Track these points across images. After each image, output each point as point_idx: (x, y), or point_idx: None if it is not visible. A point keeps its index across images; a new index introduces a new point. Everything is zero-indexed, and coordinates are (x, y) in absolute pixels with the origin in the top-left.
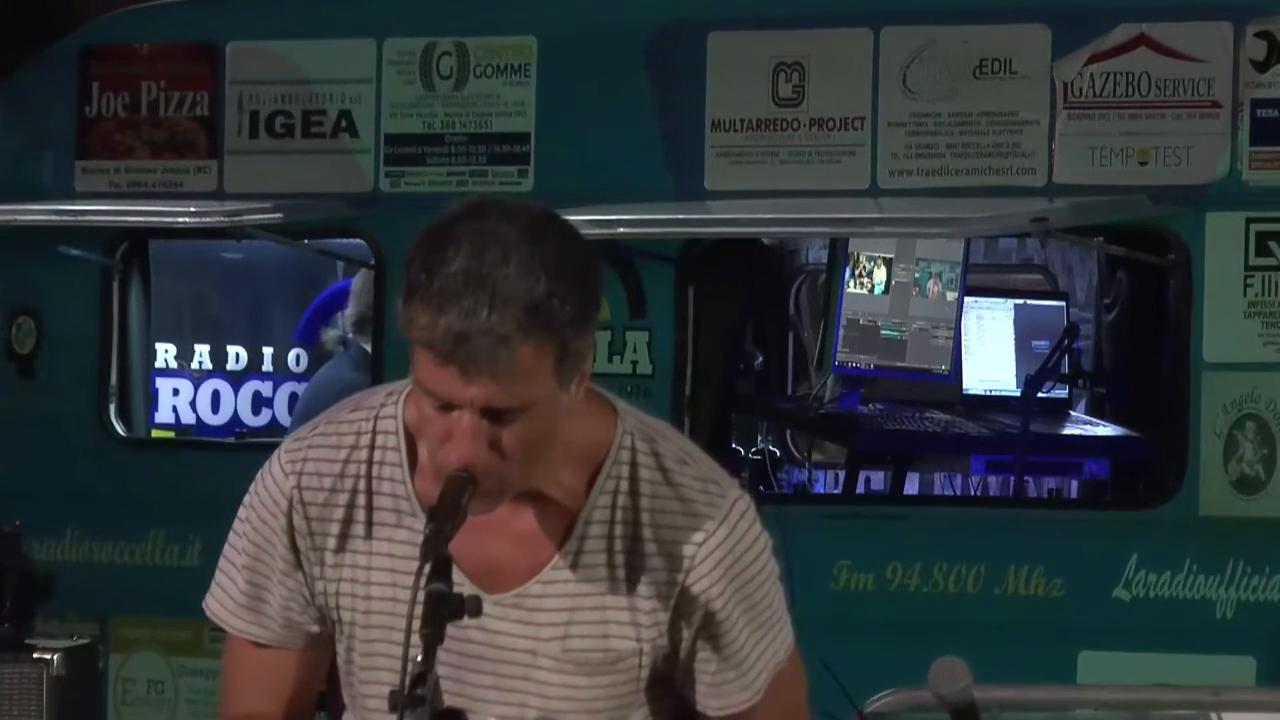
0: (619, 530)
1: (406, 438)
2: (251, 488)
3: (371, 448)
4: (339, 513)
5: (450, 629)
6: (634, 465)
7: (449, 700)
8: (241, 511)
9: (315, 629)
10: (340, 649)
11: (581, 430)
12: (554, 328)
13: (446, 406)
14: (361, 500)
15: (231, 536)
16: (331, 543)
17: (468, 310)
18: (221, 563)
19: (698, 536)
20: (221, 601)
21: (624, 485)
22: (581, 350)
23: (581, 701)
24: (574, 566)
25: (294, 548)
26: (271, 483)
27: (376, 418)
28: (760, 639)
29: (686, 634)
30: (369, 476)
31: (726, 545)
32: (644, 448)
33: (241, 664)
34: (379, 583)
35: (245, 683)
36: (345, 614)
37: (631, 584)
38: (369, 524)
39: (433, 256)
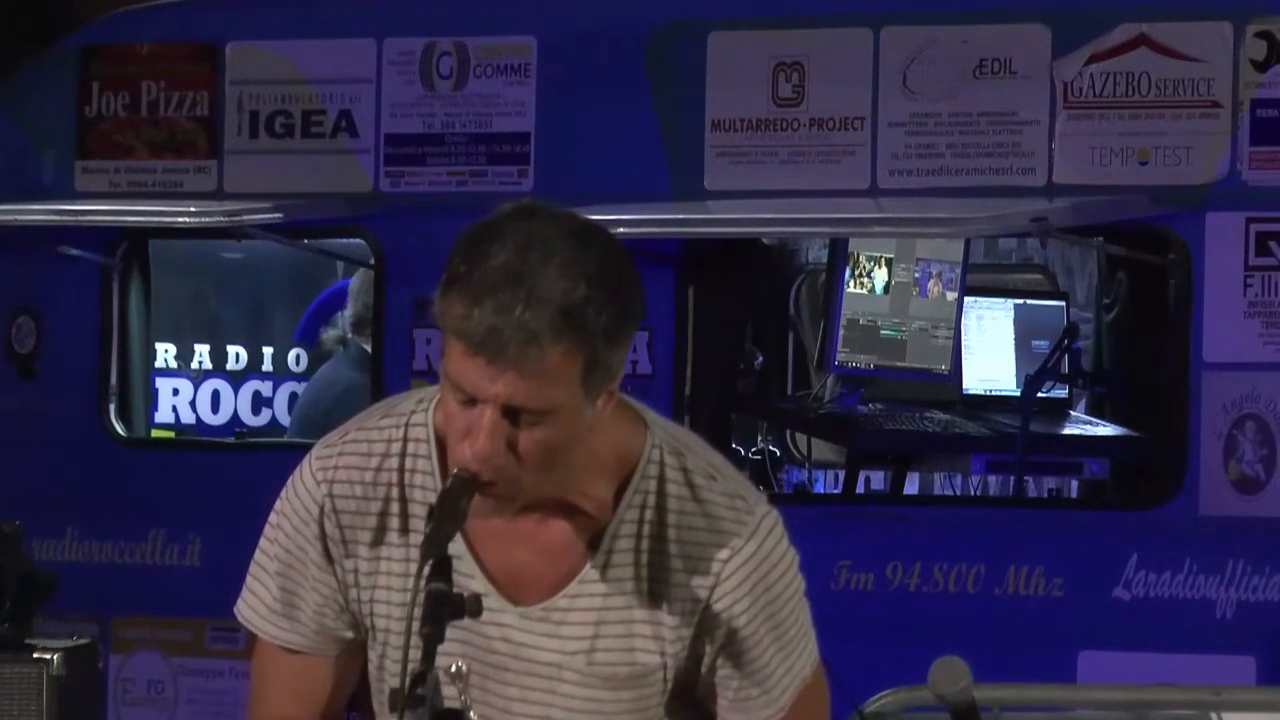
0: (645, 544)
1: (438, 444)
2: (282, 494)
3: (403, 455)
4: (372, 520)
5: (476, 639)
6: (661, 479)
7: (474, 709)
8: (273, 518)
9: (349, 635)
10: (373, 656)
11: (611, 442)
12: (586, 334)
13: (470, 402)
14: (395, 508)
15: (263, 543)
16: (364, 550)
17: (503, 305)
18: (253, 568)
19: (723, 553)
20: (254, 608)
21: (651, 499)
22: (611, 364)
23: (605, 715)
24: (601, 580)
25: (327, 555)
26: (303, 490)
27: (407, 424)
28: (786, 656)
29: (709, 649)
30: (401, 484)
31: (753, 563)
32: (672, 462)
33: (273, 669)
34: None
35: (276, 687)
36: (380, 621)
37: (657, 599)
38: (402, 531)
39: (475, 250)
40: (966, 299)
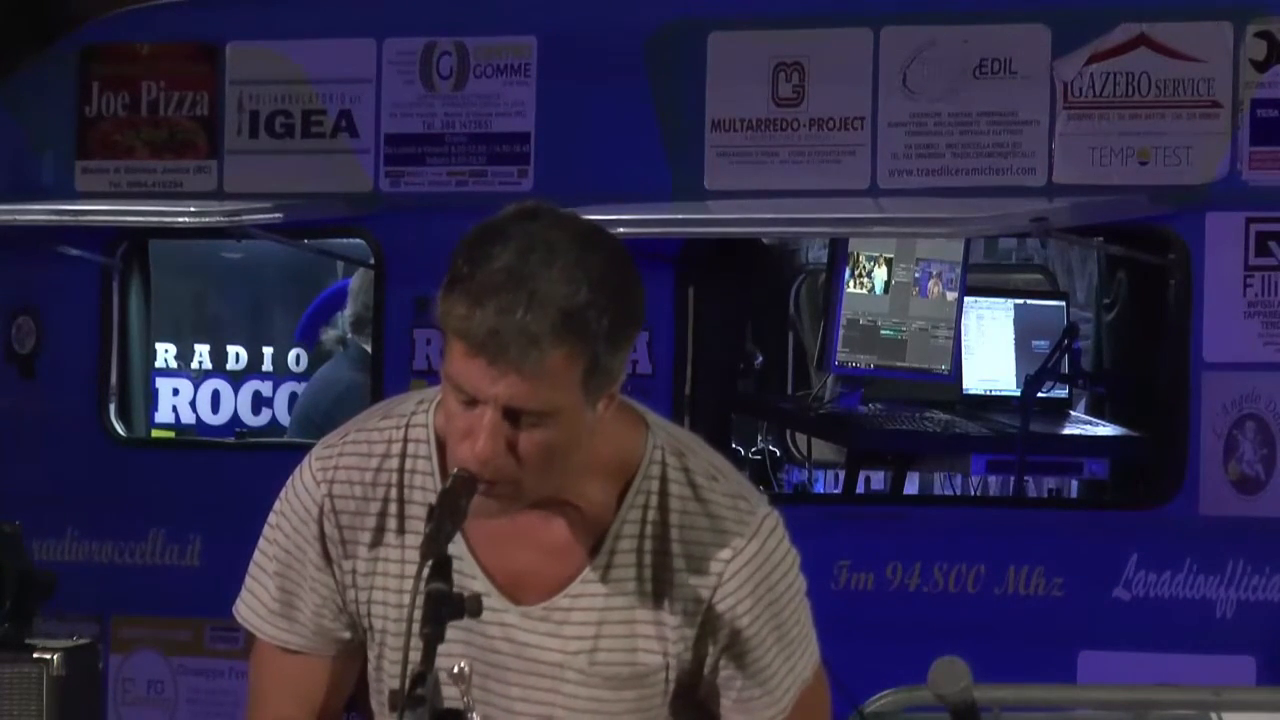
0: (648, 545)
1: (438, 445)
2: (282, 494)
3: (403, 456)
4: (371, 521)
5: (478, 639)
6: (664, 480)
7: (477, 709)
8: (272, 518)
9: (347, 635)
10: (371, 656)
11: (612, 443)
12: (587, 338)
13: (471, 402)
14: (394, 509)
15: (262, 543)
16: (363, 551)
17: (504, 306)
18: (252, 568)
19: (725, 554)
20: (253, 608)
21: (653, 500)
22: (612, 368)
23: (607, 715)
24: (603, 580)
25: (326, 555)
26: (303, 490)
27: (408, 425)
28: (788, 657)
29: (712, 649)
30: (401, 485)
31: (755, 563)
32: (674, 463)
33: (272, 669)
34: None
35: (274, 688)
36: (377, 622)
37: (659, 599)
38: (401, 532)
39: (478, 251)
40: (966, 299)
